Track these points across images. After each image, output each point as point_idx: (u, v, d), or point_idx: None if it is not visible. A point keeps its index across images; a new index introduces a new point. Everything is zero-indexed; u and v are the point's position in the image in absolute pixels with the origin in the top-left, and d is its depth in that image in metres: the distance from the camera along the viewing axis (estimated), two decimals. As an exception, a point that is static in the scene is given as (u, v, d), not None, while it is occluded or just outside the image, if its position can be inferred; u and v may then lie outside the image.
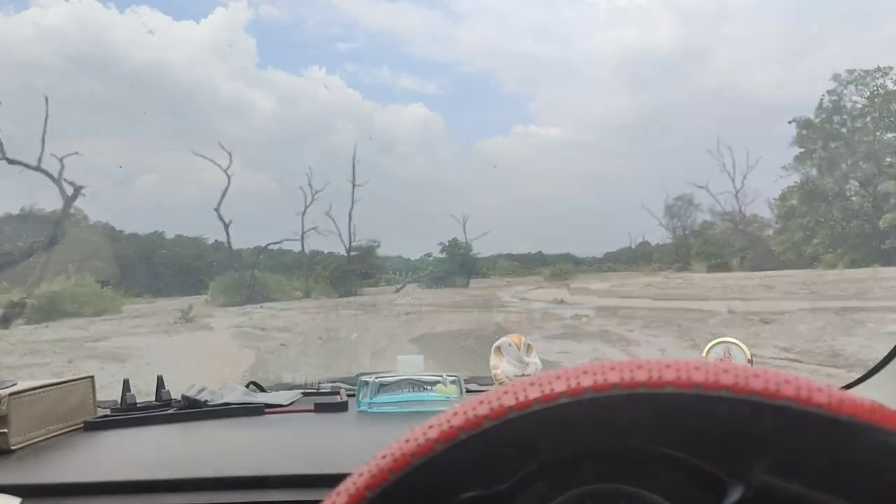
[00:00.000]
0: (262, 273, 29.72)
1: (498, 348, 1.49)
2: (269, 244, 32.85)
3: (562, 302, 15.73)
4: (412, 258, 41.64)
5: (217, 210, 30.44)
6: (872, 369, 1.25)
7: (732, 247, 38.64)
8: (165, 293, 31.12)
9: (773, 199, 36.64)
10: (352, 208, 37.26)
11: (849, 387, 1.29)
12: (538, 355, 1.50)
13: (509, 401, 0.37)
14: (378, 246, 38.70)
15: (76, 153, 20.85)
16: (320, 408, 1.37)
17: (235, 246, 31.91)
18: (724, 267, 35.91)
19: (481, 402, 0.37)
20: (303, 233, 35.56)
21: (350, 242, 37.05)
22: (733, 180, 39.60)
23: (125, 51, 36.86)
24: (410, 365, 1.42)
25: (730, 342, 1.34)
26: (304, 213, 35.62)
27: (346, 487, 0.37)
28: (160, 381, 1.45)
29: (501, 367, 1.46)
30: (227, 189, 30.33)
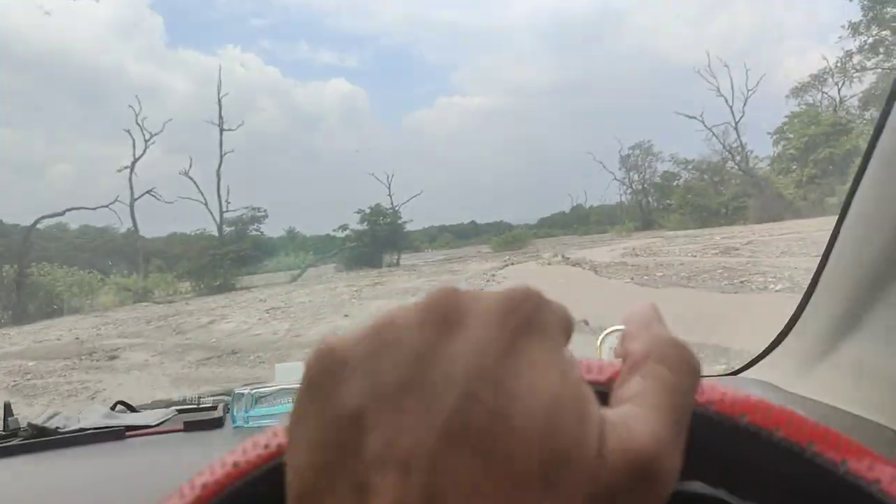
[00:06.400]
0: (43, 268, 17.69)
1: None
2: (42, 217, 20.85)
3: None
4: (324, 234, 31.14)
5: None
6: (766, 349, 1.21)
7: (722, 195, 29.66)
8: None
9: (770, 131, 29.04)
10: (220, 164, 26.26)
11: (745, 367, 1.27)
12: None
13: None
14: (265, 217, 27.24)
15: None
16: (190, 426, 1.20)
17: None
18: (714, 221, 27.25)
19: None
20: (132, 200, 23.80)
21: (221, 214, 25.41)
22: (731, 107, 30.99)
23: (21, 34, 32.93)
24: (290, 373, 1.30)
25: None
26: (132, 168, 24.16)
27: None
28: (7, 407, 1.27)
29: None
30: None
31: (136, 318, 14.56)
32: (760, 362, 1.21)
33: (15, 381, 8.10)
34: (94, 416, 1.23)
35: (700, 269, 11.17)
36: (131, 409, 1.34)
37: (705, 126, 29.65)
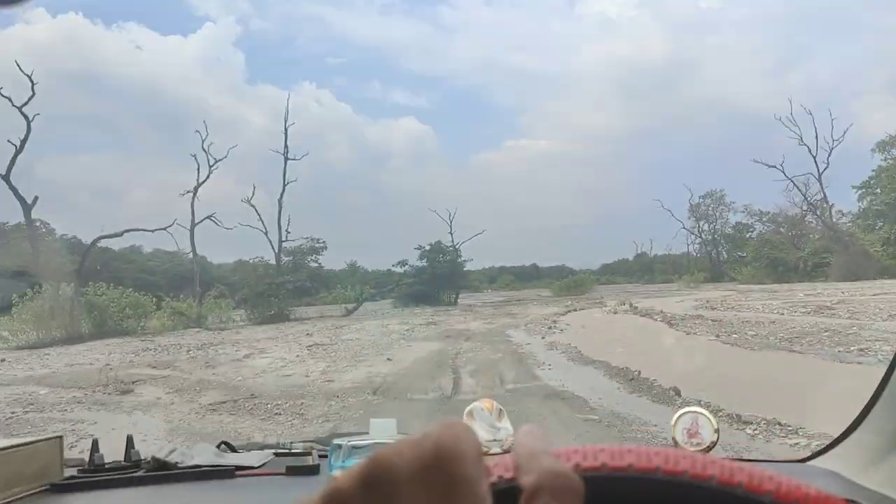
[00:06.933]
0: (99, 288, 17.55)
1: (470, 413, 1.48)
2: (100, 237, 20.81)
3: None
4: (385, 269, 30.61)
5: (6, 179, 18.87)
6: (839, 437, 1.18)
7: (801, 250, 27.78)
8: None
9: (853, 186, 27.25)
10: (283, 193, 26.33)
11: (816, 455, 1.25)
12: (509, 421, 1.48)
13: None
14: (324, 248, 26.89)
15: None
16: (292, 471, 1.34)
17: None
18: (791, 276, 25.66)
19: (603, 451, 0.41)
20: (192, 224, 23.80)
21: (280, 242, 25.18)
22: (815, 157, 29.30)
23: (113, 67, 35.72)
24: (383, 429, 1.35)
25: (697, 412, 1.24)
26: (195, 192, 24.38)
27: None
28: (130, 440, 1.38)
29: (475, 431, 0.52)
30: (26, 138, 18.85)
31: (177, 346, 14.38)
32: (832, 450, 1.19)
33: (13, 412, 7.72)
34: (206, 454, 1.37)
35: (799, 331, 9.99)
36: (232, 448, 1.48)
37: (786, 176, 27.99)
